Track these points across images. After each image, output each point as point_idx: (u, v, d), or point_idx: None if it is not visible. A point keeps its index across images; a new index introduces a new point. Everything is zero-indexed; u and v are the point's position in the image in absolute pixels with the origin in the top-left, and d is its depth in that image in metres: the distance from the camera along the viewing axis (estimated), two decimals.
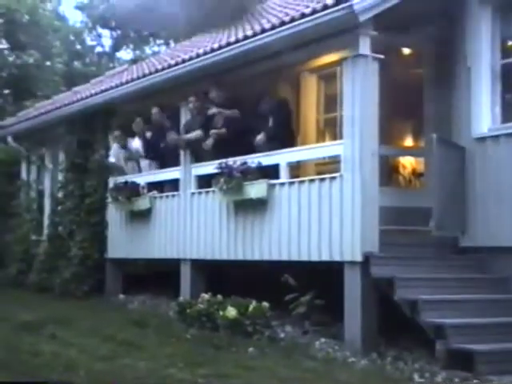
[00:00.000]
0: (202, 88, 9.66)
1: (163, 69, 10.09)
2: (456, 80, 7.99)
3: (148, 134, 10.99)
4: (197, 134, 9.57)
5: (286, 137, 8.81)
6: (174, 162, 10.12)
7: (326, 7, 7.24)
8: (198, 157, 9.74)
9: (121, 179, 11.18)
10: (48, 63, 23.92)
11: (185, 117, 10.05)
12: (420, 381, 5.72)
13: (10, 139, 14.83)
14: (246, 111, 9.21)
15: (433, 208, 7.46)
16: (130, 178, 11.07)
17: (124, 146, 11.41)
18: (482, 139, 7.66)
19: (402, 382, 5.74)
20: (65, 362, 6.09)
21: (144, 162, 11.08)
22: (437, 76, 8.33)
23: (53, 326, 8.17)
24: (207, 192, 9.38)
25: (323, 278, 7.44)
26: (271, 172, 8.38)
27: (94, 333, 7.85)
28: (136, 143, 11.16)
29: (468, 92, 7.80)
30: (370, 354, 6.62)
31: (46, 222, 13.65)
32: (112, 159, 11.41)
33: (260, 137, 8.77)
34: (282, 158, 8.34)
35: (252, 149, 8.82)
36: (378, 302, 6.97)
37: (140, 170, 11.21)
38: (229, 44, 8.78)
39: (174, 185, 10.17)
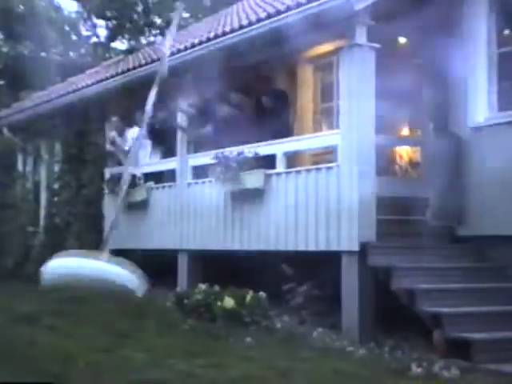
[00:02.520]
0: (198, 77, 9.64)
1: (159, 59, 10.05)
2: (453, 69, 7.97)
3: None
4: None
5: (282, 130, 8.82)
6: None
7: None
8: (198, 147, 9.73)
9: (117, 170, 11.15)
10: (43, 54, 23.83)
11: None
12: (418, 370, 5.72)
13: (5, 130, 14.79)
14: (244, 102, 9.21)
15: (429, 197, 7.47)
16: (127, 168, 11.02)
17: (121, 134, 11.38)
18: (479, 128, 7.66)
19: (399, 371, 5.74)
20: (63, 354, 6.08)
21: (143, 152, 11.01)
22: (434, 65, 8.31)
23: (50, 318, 8.15)
24: (204, 182, 9.37)
25: (320, 267, 7.44)
26: (268, 162, 8.37)
27: (92, 324, 7.84)
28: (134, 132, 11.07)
29: (464, 81, 7.78)
30: (367, 344, 6.63)
31: (42, 213, 13.63)
32: (109, 146, 11.38)
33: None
34: (279, 147, 8.32)
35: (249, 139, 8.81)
36: (375, 292, 6.98)
37: (137, 161, 11.16)
38: (225, 33, 8.76)
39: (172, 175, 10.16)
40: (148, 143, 10.87)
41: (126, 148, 11.23)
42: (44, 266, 4.53)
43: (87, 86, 11.93)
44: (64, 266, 3.96)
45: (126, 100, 11.24)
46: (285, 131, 8.76)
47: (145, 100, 10.76)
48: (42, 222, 13.42)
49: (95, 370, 5.53)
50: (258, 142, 8.55)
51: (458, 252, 7.61)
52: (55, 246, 12.31)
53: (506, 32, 7.92)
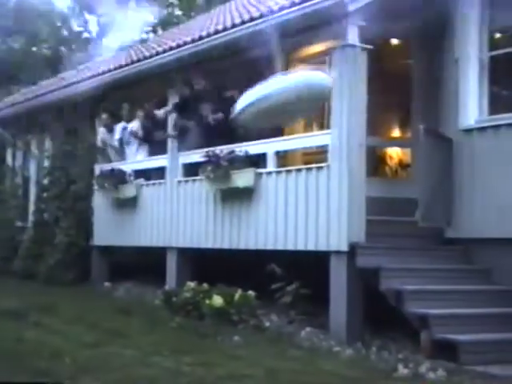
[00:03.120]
0: (189, 75, 9.63)
1: (151, 56, 10.04)
2: (444, 71, 8.01)
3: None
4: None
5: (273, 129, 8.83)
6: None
7: None
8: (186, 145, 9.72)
9: (107, 166, 11.13)
10: (34, 49, 23.75)
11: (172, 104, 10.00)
12: (404, 371, 5.75)
13: None
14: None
15: (419, 199, 7.49)
16: (117, 165, 11.02)
17: (110, 130, 11.36)
18: (469, 131, 7.69)
19: (386, 371, 5.77)
20: (50, 350, 6.08)
21: (131, 148, 10.99)
22: (425, 67, 8.34)
23: (38, 314, 8.14)
24: (194, 180, 9.36)
25: (309, 267, 7.45)
26: (258, 161, 8.38)
27: (79, 320, 7.84)
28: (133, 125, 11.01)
29: (456, 83, 7.81)
30: (355, 344, 6.65)
31: (31, 208, 13.58)
32: (99, 143, 11.37)
33: None
34: (270, 147, 8.33)
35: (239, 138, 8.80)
36: (363, 292, 7.00)
37: (125, 157, 11.15)
38: (217, 32, 8.76)
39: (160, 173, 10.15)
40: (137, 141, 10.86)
41: (115, 144, 11.24)
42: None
43: (78, 81, 11.89)
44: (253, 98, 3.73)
45: (118, 96, 11.21)
46: (276, 130, 8.76)
47: (136, 96, 10.79)
48: (30, 217, 13.37)
49: (82, 367, 5.52)
50: (247, 141, 8.56)
51: (446, 254, 7.64)
52: (44, 241, 12.29)
53: (498, 35, 7.96)
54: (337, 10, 7.12)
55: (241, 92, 8.84)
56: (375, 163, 9.35)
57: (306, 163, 8.63)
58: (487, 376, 5.63)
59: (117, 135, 11.17)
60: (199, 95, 9.41)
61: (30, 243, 12.76)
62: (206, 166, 8.71)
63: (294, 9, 7.51)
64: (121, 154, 11.22)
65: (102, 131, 11.40)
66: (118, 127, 11.16)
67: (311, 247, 7.48)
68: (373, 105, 7.62)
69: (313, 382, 5.36)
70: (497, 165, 7.36)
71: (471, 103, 7.72)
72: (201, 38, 9.00)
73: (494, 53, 7.69)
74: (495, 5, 7.69)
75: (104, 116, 11.39)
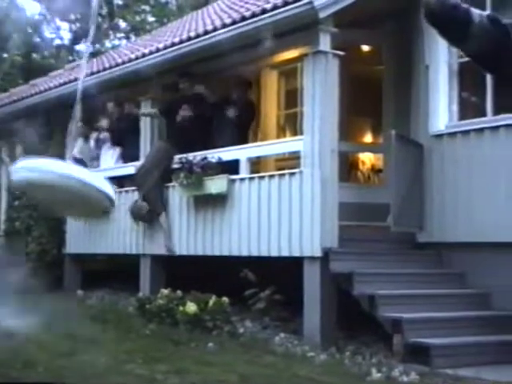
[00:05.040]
0: (162, 82, 9.62)
1: (123, 63, 10.02)
2: (414, 77, 8.09)
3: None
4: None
5: (244, 134, 8.87)
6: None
7: (286, 3, 7.28)
8: None
9: None
10: (5, 55, 23.54)
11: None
12: (377, 375, 5.78)
13: None
14: (208, 108, 9.20)
15: (391, 204, 7.55)
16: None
17: (87, 139, 11.28)
18: (440, 136, 7.78)
19: (359, 376, 5.80)
20: (23, 359, 6.02)
21: (106, 155, 10.93)
22: (396, 73, 8.42)
23: (9, 322, 8.05)
24: (167, 187, 9.34)
25: (283, 273, 7.47)
26: (232, 167, 8.39)
27: (52, 329, 7.77)
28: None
29: (426, 89, 7.90)
30: (328, 349, 6.67)
31: (2, 217, 13.45)
32: (78, 155, 11.26)
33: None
34: (242, 153, 8.34)
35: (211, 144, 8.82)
36: (337, 297, 7.03)
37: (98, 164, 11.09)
38: (190, 38, 8.76)
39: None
40: (111, 147, 10.81)
41: (92, 153, 11.18)
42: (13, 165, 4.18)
43: (50, 88, 11.81)
44: (32, 166, 3.61)
45: (88, 103, 11.15)
46: (248, 137, 8.80)
47: (106, 103, 10.73)
48: (2, 226, 13.24)
49: (56, 376, 5.48)
50: (220, 147, 8.57)
51: (418, 258, 7.71)
52: (15, 250, 12.17)
53: None
54: (308, 17, 7.16)
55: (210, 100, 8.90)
56: (348, 169, 9.40)
57: (279, 169, 8.66)
58: (459, 379, 5.67)
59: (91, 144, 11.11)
60: (182, 99, 9.39)
61: (2, 252, 12.62)
62: (179, 173, 8.70)
63: (265, 16, 7.54)
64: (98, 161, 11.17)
65: (79, 142, 11.29)
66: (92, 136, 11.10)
67: (285, 253, 7.50)
68: (345, 110, 7.68)
69: None
70: (466, 169, 7.45)
71: (441, 109, 7.81)
72: (173, 44, 8.99)
73: (464, 59, 7.78)
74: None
75: (79, 125, 11.31)
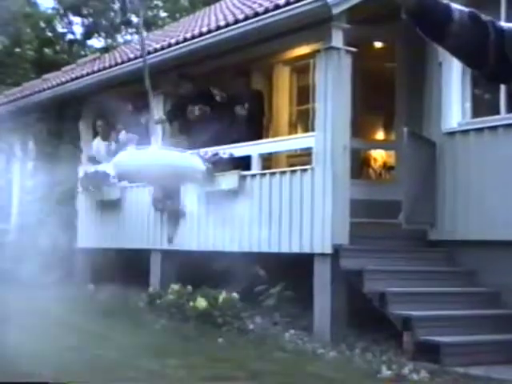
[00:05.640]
0: (173, 77, 9.62)
1: (136, 58, 10.02)
2: (427, 74, 8.05)
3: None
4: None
5: (255, 130, 8.84)
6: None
7: None
8: None
9: (91, 168, 11.09)
10: (18, 50, 23.61)
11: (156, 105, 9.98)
12: (387, 372, 5.77)
13: None
14: (220, 103, 9.20)
15: (403, 201, 7.52)
16: (101, 167, 10.98)
17: (106, 139, 11.26)
18: (452, 134, 7.74)
19: (369, 373, 5.79)
20: (33, 353, 6.04)
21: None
22: (409, 70, 8.38)
23: (20, 316, 8.09)
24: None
25: (294, 269, 7.47)
26: (243, 163, 8.38)
27: (63, 323, 7.80)
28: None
29: (439, 86, 7.86)
30: (338, 346, 6.66)
31: (14, 211, 13.50)
32: (94, 153, 11.25)
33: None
34: (254, 149, 8.34)
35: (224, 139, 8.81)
36: (347, 294, 7.02)
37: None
38: (202, 34, 8.75)
39: None
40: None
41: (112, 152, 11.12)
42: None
43: (62, 83, 11.84)
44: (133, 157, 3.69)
45: (102, 99, 11.17)
46: (260, 133, 8.79)
47: (121, 99, 10.73)
48: (13, 220, 13.29)
49: (66, 370, 5.50)
50: (232, 143, 8.57)
51: (429, 256, 7.68)
52: (27, 244, 12.21)
53: None
54: (321, 13, 7.14)
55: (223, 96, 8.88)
56: (359, 165, 9.38)
57: (290, 166, 8.64)
58: (469, 377, 5.66)
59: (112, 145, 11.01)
60: (188, 98, 9.40)
61: (13, 246, 12.68)
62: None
63: (278, 11, 7.52)
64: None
65: (96, 142, 11.24)
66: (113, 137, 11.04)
67: (295, 249, 7.49)
68: (357, 107, 7.65)
69: None
70: (479, 167, 7.41)
71: (454, 106, 7.76)
72: (185, 39, 8.99)
73: None
74: (478, 8, 7.74)
75: (99, 123, 11.28)
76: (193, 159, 3.72)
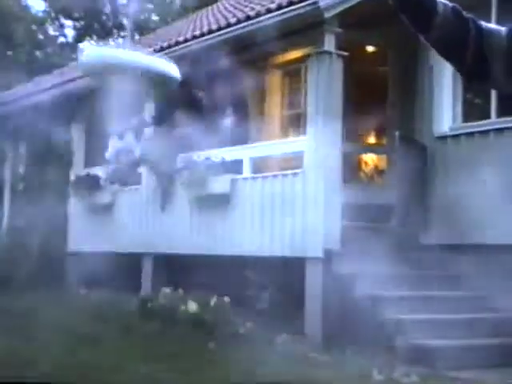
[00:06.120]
0: None
1: None
2: (419, 78, 8.07)
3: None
4: None
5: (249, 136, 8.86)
6: None
7: (291, 3, 7.27)
8: None
9: (82, 172, 11.06)
10: (9, 52, 23.56)
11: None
12: (379, 376, 5.77)
13: None
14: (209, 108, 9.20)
15: (394, 205, 7.53)
16: (92, 170, 10.96)
17: (121, 137, 11.14)
18: (443, 138, 7.76)
19: (361, 377, 5.79)
20: (25, 358, 6.02)
21: None
22: (400, 73, 8.41)
23: (11, 320, 8.06)
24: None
25: (285, 273, 7.46)
26: (235, 167, 8.38)
27: (54, 327, 7.76)
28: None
29: (430, 90, 7.88)
30: (330, 350, 6.66)
31: (5, 213, 13.45)
32: (110, 156, 11.11)
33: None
34: (246, 153, 8.34)
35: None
36: (339, 298, 7.01)
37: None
38: (194, 37, 8.76)
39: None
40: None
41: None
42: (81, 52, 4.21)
43: (54, 86, 11.81)
44: (103, 53, 3.60)
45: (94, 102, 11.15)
46: (252, 137, 8.79)
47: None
48: (4, 224, 13.24)
49: (57, 374, 5.47)
50: (223, 147, 8.56)
51: (421, 260, 7.68)
52: (18, 246, 12.17)
53: None
54: (313, 17, 7.15)
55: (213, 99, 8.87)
56: (351, 169, 9.38)
57: (282, 169, 8.64)
58: (460, 381, 5.67)
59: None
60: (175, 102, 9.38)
61: (4, 249, 12.62)
62: (182, 172, 8.70)
63: (270, 15, 7.53)
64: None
65: (113, 143, 11.04)
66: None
67: (287, 253, 7.49)
68: (348, 111, 7.66)
69: None
70: (470, 171, 7.43)
71: (445, 111, 7.79)
72: (177, 43, 8.99)
73: None
74: (470, 12, 7.76)
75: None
76: (169, 65, 3.62)
